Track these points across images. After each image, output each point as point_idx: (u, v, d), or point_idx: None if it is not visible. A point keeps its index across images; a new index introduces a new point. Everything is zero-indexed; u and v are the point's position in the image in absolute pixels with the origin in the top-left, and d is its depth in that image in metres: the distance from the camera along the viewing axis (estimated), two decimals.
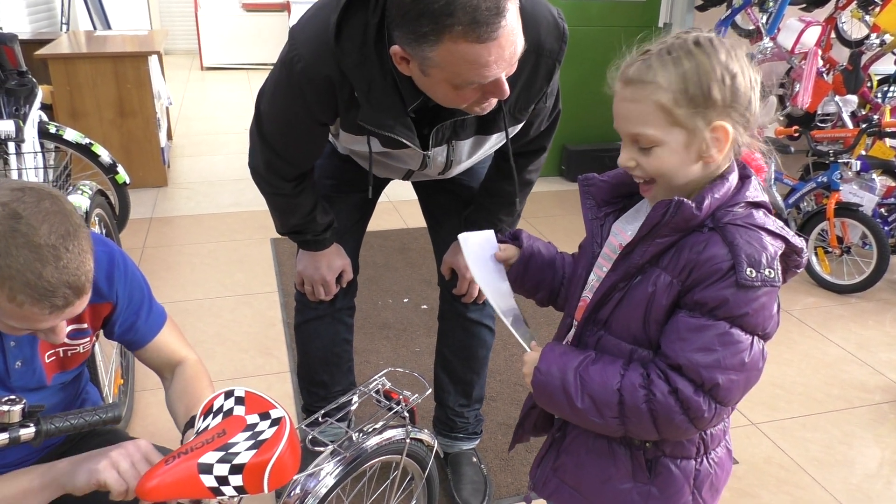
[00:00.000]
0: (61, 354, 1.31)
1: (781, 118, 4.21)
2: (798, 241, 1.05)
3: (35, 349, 1.26)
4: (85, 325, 1.32)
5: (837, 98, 4.00)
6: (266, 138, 1.58)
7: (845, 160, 3.46)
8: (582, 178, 1.20)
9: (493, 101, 1.36)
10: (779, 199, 3.72)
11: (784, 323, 3.18)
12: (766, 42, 4.13)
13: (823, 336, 3.09)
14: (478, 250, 1.27)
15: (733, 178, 1.05)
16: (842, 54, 4.28)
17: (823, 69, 4.07)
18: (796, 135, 3.73)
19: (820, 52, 4.00)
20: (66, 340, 1.28)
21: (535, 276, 1.29)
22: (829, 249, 3.52)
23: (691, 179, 1.04)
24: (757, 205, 1.05)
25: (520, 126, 1.59)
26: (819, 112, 4.09)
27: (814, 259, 3.55)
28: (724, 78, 0.98)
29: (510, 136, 1.58)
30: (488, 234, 1.30)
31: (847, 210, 3.43)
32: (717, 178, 1.04)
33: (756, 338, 1.01)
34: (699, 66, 0.98)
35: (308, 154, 1.61)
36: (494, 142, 1.63)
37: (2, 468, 1.33)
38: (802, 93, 3.87)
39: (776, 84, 4.13)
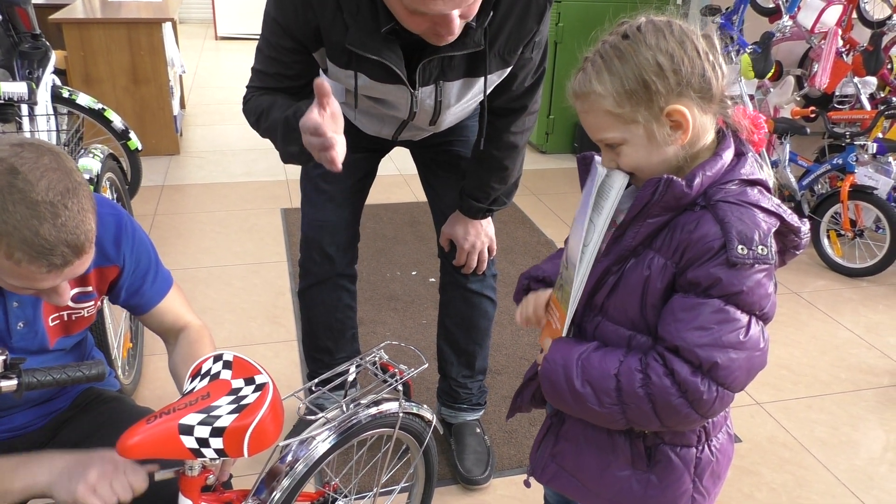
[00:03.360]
0: (65, 318, 1.31)
1: (798, 98, 4.15)
2: (795, 220, 1.02)
3: (38, 311, 1.26)
4: (90, 289, 1.31)
5: (856, 79, 3.95)
6: (255, 66, 1.55)
7: (861, 142, 3.42)
8: (580, 157, 1.17)
9: (450, 37, 1.34)
10: (792, 180, 3.69)
11: (793, 305, 3.17)
12: (786, 21, 4.06)
13: (832, 318, 3.08)
14: (615, 194, 1.05)
15: (727, 155, 1.03)
16: (863, 35, 4.21)
17: (843, 50, 4.00)
18: (813, 116, 3.69)
19: (840, 32, 3.94)
20: (71, 304, 1.28)
21: None
22: (842, 232, 3.48)
23: (670, 161, 1.02)
24: (752, 182, 1.02)
25: (507, 71, 1.57)
26: (837, 93, 4.04)
27: (826, 242, 3.52)
28: (659, 64, 0.97)
29: (496, 84, 1.58)
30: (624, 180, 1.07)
31: (861, 193, 3.39)
32: (710, 155, 1.03)
33: (754, 318, 0.98)
34: (630, 62, 0.98)
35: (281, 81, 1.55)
36: (482, 87, 1.60)
37: (8, 431, 1.34)
38: (821, 73, 3.82)
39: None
